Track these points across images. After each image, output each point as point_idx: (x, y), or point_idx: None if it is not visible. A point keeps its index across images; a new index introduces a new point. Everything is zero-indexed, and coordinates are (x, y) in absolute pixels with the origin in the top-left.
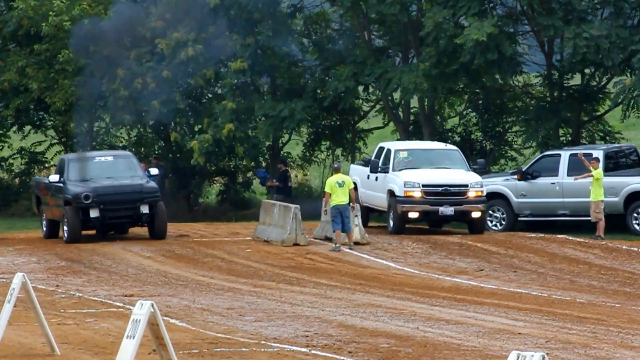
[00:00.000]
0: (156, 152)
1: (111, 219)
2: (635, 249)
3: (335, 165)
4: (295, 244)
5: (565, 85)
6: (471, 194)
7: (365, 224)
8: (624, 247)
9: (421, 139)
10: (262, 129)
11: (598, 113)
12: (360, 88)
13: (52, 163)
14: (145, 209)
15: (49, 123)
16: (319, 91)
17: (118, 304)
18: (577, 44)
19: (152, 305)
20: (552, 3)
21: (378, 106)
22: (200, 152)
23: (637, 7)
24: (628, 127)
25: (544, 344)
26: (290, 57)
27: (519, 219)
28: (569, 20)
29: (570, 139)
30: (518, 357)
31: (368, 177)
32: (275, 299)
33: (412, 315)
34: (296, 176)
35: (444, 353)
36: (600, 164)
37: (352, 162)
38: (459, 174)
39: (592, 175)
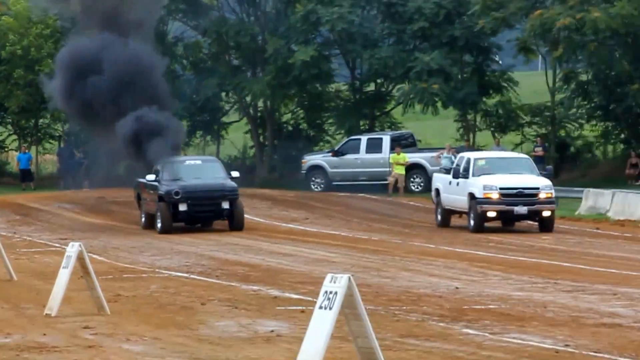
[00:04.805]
0: None
1: (197, 212)
2: (413, 203)
3: None
4: None
5: (364, 90)
6: (542, 195)
7: (447, 224)
8: (404, 202)
9: (265, 129)
10: None
11: (386, 110)
12: (223, 94)
13: (9, 148)
14: (226, 205)
15: (8, 120)
16: (194, 96)
17: (56, 245)
18: (371, 62)
19: (80, 245)
20: (354, 35)
21: (236, 106)
22: None
23: (412, 36)
24: (407, 119)
25: (350, 268)
26: (174, 73)
27: (333, 183)
28: (366, 46)
29: (367, 127)
30: (332, 278)
31: (450, 183)
32: (166, 241)
33: (260, 250)
34: None
35: (282, 276)
36: (387, 145)
37: (218, 145)
38: (531, 178)
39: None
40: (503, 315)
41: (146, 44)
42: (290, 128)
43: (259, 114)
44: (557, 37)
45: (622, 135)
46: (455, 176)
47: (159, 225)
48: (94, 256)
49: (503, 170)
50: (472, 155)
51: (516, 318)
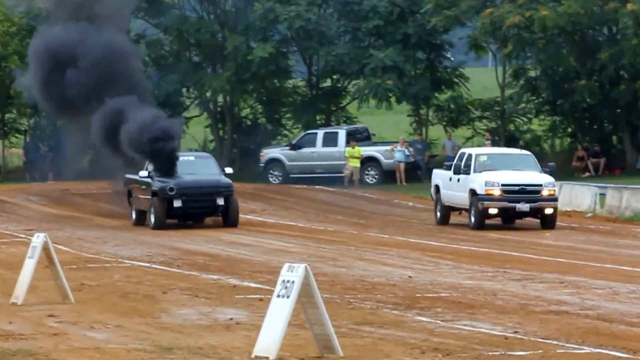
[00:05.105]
0: None
1: (192, 209)
2: (367, 194)
3: None
4: None
5: (320, 86)
6: (544, 192)
7: (447, 221)
8: (359, 193)
9: (224, 124)
10: None
11: (342, 105)
12: (184, 90)
13: None
14: (220, 201)
15: None
16: (156, 92)
17: (22, 235)
18: (328, 59)
19: (45, 236)
20: (311, 32)
21: (196, 101)
22: None
23: (367, 34)
24: (362, 114)
25: (307, 258)
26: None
27: (291, 176)
28: (323, 42)
29: (323, 122)
30: (289, 268)
31: (450, 179)
32: (128, 231)
33: (219, 240)
34: None
35: (241, 265)
36: (343, 139)
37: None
38: (533, 175)
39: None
40: (454, 303)
41: (121, 34)
42: (249, 122)
43: (218, 109)
44: (507, 35)
45: (569, 129)
46: (456, 172)
47: (152, 221)
48: (59, 247)
49: (505, 167)
50: (473, 151)
51: (467, 306)
